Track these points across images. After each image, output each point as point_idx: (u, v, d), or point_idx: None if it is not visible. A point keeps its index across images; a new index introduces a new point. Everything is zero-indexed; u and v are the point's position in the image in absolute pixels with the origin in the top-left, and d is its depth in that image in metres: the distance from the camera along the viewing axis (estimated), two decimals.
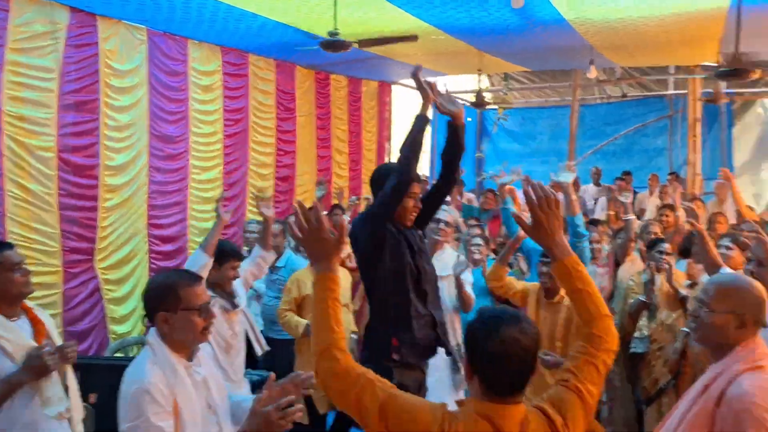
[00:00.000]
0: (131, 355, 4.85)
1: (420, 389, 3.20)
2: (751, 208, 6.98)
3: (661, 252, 4.99)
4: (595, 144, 11.85)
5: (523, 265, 5.47)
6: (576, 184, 10.33)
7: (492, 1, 5.46)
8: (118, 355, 5.06)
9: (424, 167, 12.18)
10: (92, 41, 5.47)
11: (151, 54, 6.06)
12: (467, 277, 4.61)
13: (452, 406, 1.77)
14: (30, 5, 5.00)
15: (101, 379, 3.47)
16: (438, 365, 4.23)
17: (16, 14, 4.89)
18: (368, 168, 9.58)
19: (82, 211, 5.47)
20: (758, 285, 2.24)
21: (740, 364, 2.08)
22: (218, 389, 2.39)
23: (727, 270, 3.77)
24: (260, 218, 6.66)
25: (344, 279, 4.80)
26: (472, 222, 6.44)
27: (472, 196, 9.80)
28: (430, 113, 3.08)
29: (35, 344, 2.72)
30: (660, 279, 5.00)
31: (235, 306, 3.98)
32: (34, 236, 5.09)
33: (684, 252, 5.34)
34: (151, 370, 2.16)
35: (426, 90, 3.15)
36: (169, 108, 6.35)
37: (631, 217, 4.96)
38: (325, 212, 5.65)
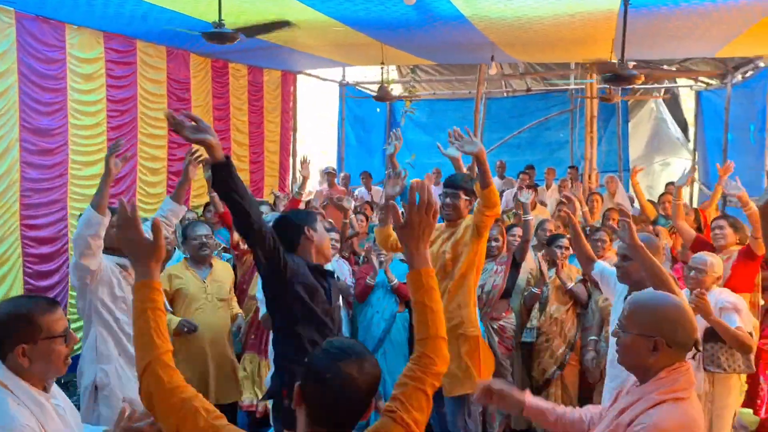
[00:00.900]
0: None
1: None
2: (652, 203, 7.21)
3: (559, 246, 5.08)
4: (502, 137, 12.03)
5: None
6: (503, 167, 10.46)
7: None
8: None
9: (332, 161, 12.01)
10: None
11: (21, 39, 5.54)
12: None
13: None
14: None
15: None
16: None
17: None
18: (271, 160, 9.30)
19: None
20: (679, 303, 2.07)
21: (658, 394, 1.94)
22: (75, 419, 2.23)
23: (601, 263, 3.82)
24: (148, 216, 6.41)
25: (225, 272, 4.61)
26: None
27: (380, 188, 9.71)
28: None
29: None
30: (554, 272, 5.09)
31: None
32: None
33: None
34: (18, 411, 1.95)
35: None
36: (44, 98, 5.85)
37: (530, 217, 4.98)
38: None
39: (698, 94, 11.82)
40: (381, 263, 5.13)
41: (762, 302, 4.62)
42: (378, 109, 12.26)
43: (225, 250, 5.52)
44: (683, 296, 3.03)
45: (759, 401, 4.62)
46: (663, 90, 12.17)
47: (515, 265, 5.05)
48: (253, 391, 4.80)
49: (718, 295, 3.89)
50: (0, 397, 1.99)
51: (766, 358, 4.57)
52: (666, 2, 5.30)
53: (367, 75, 12.68)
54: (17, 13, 5.49)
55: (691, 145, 12.16)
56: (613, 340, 3.24)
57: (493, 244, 5.00)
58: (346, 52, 8.03)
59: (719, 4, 5.37)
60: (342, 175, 10.22)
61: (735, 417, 4.18)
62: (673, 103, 12.68)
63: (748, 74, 9.76)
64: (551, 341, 5.04)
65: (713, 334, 3.79)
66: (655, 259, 3.02)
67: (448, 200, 4.05)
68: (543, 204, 8.65)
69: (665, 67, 10.39)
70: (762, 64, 8.86)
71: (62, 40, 6.01)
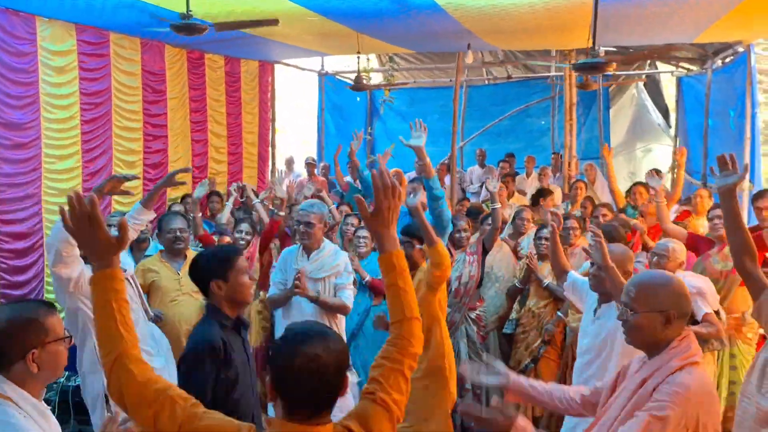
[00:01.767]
0: None
1: None
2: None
3: (542, 239, 5.08)
4: (484, 124, 11.99)
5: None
6: (483, 155, 10.46)
7: None
8: None
9: (313, 151, 11.96)
10: None
11: None
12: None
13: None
14: None
15: None
16: None
17: None
18: (249, 152, 9.25)
19: None
20: (677, 278, 2.24)
21: (676, 361, 2.10)
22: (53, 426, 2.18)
23: (573, 274, 3.82)
24: (124, 210, 6.35)
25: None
26: (346, 209, 6.30)
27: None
28: None
29: None
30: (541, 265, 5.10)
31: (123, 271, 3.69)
32: None
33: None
34: (26, 425, 1.90)
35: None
36: (16, 92, 5.79)
37: (498, 205, 4.98)
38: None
39: (679, 80, 11.83)
40: (362, 254, 5.14)
41: None
42: (358, 99, 12.19)
43: (201, 239, 5.35)
44: None
45: None
46: (644, 76, 12.19)
47: (485, 252, 5.06)
48: None
49: (683, 279, 3.94)
50: (7, 411, 1.93)
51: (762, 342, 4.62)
52: None
53: (347, 64, 12.62)
54: None
55: (672, 131, 12.20)
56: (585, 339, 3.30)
57: (463, 234, 5.03)
58: (323, 41, 7.97)
59: None
60: (321, 165, 10.19)
61: None
62: (654, 89, 12.70)
63: (728, 59, 9.78)
64: (527, 334, 5.07)
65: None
66: (623, 281, 3.04)
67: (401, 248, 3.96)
68: (522, 193, 8.66)
69: (647, 53, 10.39)
70: (741, 49, 8.86)
71: (33, 33, 5.93)
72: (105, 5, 5.76)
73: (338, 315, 4.29)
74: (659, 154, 12.56)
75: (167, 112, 7.51)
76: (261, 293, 5.16)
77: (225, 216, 5.93)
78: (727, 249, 4.44)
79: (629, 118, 12.57)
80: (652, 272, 2.37)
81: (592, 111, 11.80)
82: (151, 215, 4.06)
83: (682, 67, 11.68)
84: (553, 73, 11.45)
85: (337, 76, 12.14)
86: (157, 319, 4.19)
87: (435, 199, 4.63)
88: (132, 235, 3.96)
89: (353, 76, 11.94)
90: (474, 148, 11.39)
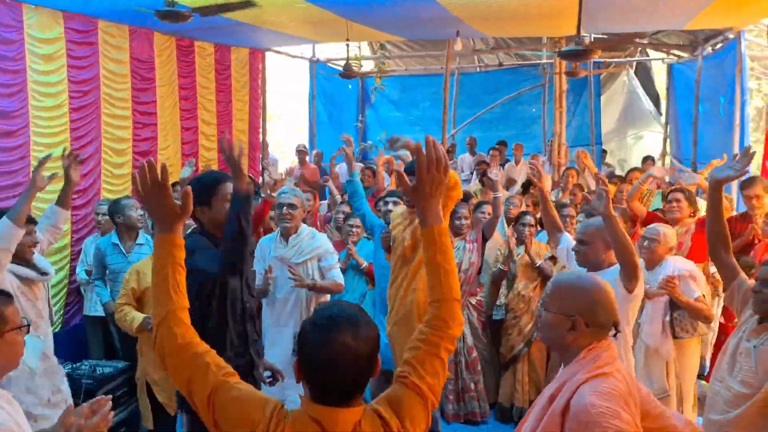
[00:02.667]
0: None
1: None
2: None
3: (524, 224, 5.13)
4: (475, 112, 12.02)
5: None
6: (474, 143, 10.48)
7: None
8: None
9: (303, 138, 11.95)
10: None
11: None
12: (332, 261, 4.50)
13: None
14: None
15: None
16: (286, 351, 4.20)
17: None
18: (240, 139, 9.20)
19: None
20: (601, 285, 2.11)
21: (582, 373, 1.99)
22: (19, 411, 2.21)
23: (567, 237, 3.87)
24: (112, 198, 6.34)
25: None
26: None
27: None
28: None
29: None
30: (522, 250, 5.14)
31: (44, 273, 3.67)
32: None
33: (542, 223, 5.53)
34: None
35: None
36: (3, 80, 5.75)
37: (500, 194, 5.02)
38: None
39: (670, 67, 11.85)
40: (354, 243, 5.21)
41: (713, 271, 4.72)
42: (350, 86, 12.18)
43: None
44: (640, 265, 3.14)
45: None
46: (635, 63, 12.20)
47: (484, 240, 5.10)
48: None
49: (674, 264, 4.00)
50: None
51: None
52: None
53: (339, 51, 12.57)
54: None
55: (663, 118, 12.23)
56: None
57: (463, 222, 5.04)
58: (313, 29, 7.94)
59: None
60: (314, 152, 10.18)
61: (696, 386, 4.31)
62: (644, 75, 12.71)
63: (718, 46, 9.79)
64: (519, 318, 5.11)
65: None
66: (623, 232, 3.08)
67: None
68: (512, 181, 8.69)
69: (637, 40, 10.39)
70: (732, 36, 8.88)
71: (19, 21, 5.88)
72: None
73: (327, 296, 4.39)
74: (650, 141, 12.60)
75: (156, 99, 7.48)
76: None
77: None
78: (678, 228, 4.70)
79: (620, 105, 12.61)
80: (577, 274, 2.28)
81: (583, 98, 11.82)
82: (68, 214, 4.05)
83: (673, 54, 11.68)
84: (543, 61, 11.44)
85: (329, 64, 12.11)
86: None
87: None
88: (43, 245, 3.89)
89: (343, 63, 11.96)
90: (465, 135, 11.40)
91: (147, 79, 7.33)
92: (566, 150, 8.38)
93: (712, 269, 4.70)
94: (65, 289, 6.20)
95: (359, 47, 10.79)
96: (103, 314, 5.41)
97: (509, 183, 8.49)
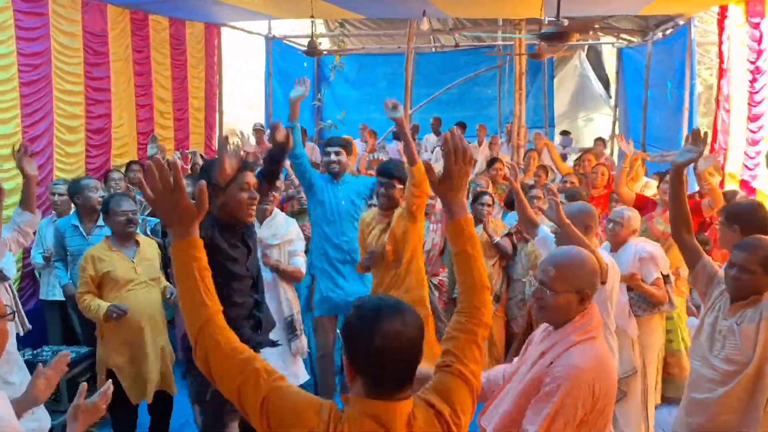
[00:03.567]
0: None
1: None
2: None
3: (482, 204, 5.20)
4: (431, 92, 12.02)
5: None
6: (438, 123, 10.50)
7: None
8: None
9: (260, 117, 11.72)
10: None
11: None
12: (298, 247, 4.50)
13: (288, 372, 1.64)
14: None
15: None
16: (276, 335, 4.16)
17: None
18: (196, 117, 8.97)
19: None
20: (589, 255, 2.28)
21: (575, 336, 2.14)
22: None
23: (544, 228, 3.92)
24: (65, 177, 6.08)
25: (152, 250, 4.24)
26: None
27: (313, 145, 9.56)
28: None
29: None
30: (480, 229, 5.20)
31: (4, 278, 3.59)
32: None
33: (509, 204, 5.60)
34: None
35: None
36: None
37: (497, 239, 5.08)
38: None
39: (620, 51, 12.13)
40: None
41: None
42: (305, 64, 11.99)
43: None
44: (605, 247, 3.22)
45: None
46: (586, 47, 12.43)
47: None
48: None
49: (636, 246, 4.12)
50: None
51: None
52: None
53: (294, 28, 12.34)
54: None
55: (612, 101, 12.53)
56: None
57: (429, 201, 5.05)
58: (274, 3, 7.75)
59: None
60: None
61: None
62: (595, 59, 12.99)
63: (668, 32, 10.06)
64: None
65: None
66: (581, 236, 3.14)
67: (382, 190, 4.07)
68: (474, 160, 8.77)
69: (596, 25, 10.58)
70: (682, 22, 9.13)
71: None
72: None
73: (291, 283, 4.44)
74: (600, 123, 12.92)
75: (110, 75, 7.17)
76: None
77: None
78: None
79: (572, 87, 12.86)
80: (567, 250, 2.37)
81: (537, 80, 11.99)
82: (37, 218, 3.93)
83: (623, 39, 11.96)
84: (500, 43, 11.52)
85: (285, 41, 11.87)
86: (121, 315, 3.82)
87: None
88: (13, 248, 3.83)
89: (301, 41, 11.74)
90: (423, 116, 11.41)
91: (100, 54, 7.01)
92: (525, 131, 8.50)
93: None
94: (19, 273, 5.92)
95: (313, 24, 10.63)
96: (62, 298, 5.19)
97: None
